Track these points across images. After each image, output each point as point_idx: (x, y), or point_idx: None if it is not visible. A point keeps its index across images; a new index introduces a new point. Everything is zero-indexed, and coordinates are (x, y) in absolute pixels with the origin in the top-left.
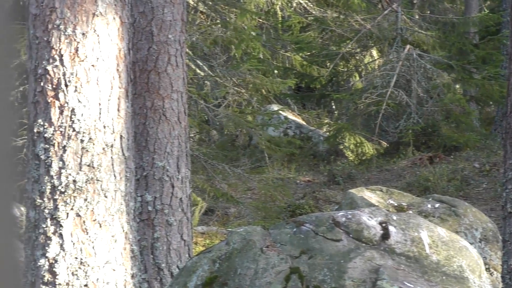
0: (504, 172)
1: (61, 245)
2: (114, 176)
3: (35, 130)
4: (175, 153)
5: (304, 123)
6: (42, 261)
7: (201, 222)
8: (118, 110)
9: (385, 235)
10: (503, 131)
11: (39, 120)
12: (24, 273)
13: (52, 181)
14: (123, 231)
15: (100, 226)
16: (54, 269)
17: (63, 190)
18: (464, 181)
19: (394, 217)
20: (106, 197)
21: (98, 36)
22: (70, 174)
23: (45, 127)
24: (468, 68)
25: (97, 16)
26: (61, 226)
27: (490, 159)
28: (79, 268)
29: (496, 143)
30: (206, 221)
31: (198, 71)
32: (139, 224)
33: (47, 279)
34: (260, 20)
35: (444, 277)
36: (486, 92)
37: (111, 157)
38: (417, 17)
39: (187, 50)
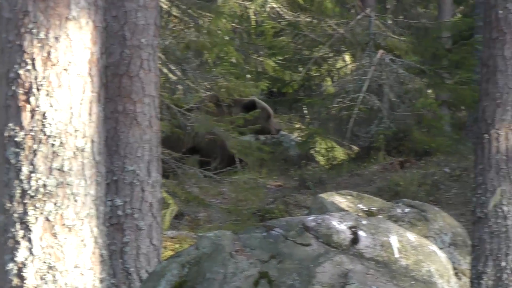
0: (474, 177)
1: (30, 250)
2: (85, 180)
3: (6, 134)
4: (146, 158)
5: None
6: (10, 266)
7: (171, 226)
8: (90, 114)
9: (355, 240)
10: (474, 136)
11: (10, 124)
12: None
13: (22, 185)
14: (93, 235)
15: (70, 231)
16: (22, 273)
17: (33, 194)
18: (434, 186)
19: (364, 222)
20: (76, 201)
21: (70, 40)
22: (40, 178)
23: (16, 131)
24: (440, 73)
25: (70, 20)
26: (30, 230)
27: (461, 164)
28: (48, 272)
29: (467, 148)
30: (176, 225)
31: (170, 75)
32: (109, 229)
33: (15, 284)
34: (234, 24)
35: (413, 282)
36: (458, 97)
37: (82, 161)
38: (390, 22)
39: (160, 54)
